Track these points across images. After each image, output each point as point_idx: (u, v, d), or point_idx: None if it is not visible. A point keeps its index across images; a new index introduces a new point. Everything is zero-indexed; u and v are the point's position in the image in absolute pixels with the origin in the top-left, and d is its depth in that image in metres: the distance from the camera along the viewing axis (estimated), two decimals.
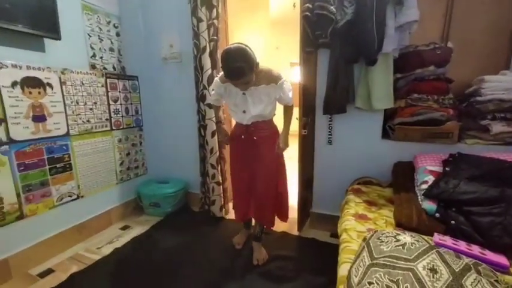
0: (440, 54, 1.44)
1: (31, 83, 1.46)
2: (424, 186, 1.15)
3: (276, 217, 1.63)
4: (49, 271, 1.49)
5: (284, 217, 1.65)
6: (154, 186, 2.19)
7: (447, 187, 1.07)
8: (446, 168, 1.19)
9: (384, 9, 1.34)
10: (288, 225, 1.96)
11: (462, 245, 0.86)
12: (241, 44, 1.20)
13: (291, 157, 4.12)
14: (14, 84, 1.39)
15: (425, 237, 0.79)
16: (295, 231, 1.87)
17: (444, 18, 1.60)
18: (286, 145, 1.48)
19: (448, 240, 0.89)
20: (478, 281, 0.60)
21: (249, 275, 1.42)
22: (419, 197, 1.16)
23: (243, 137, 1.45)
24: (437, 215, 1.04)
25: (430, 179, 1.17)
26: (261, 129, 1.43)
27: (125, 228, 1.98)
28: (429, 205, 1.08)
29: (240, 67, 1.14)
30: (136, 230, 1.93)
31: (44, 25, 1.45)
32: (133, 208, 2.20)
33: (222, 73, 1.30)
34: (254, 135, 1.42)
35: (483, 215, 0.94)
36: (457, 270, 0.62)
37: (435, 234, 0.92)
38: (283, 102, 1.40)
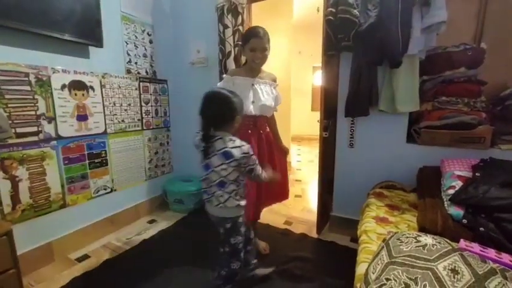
0: (471, 55, 1.39)
1: (77, 86, 1.65)
2: (451, 192, 1.11)
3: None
4: (85, 256, 1.64)
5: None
6: (179, 184, 2.30)
7: (476, 192, 1.02)
8: (477, 174, 1.14)
9: (410, 10, 1.32)
10: (306, 227, 1.97)
11: (491, 253, 0.82)
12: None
13: (312, 160, 4.11)
14: (63, 87, 1.58)
15: (449, 241, 0.77)
16: (314, 234, 1.87)
17: (477, 18, 1.54)
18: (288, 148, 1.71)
19: (475, 247, 0.85)
20: (503, 285, 0.58)
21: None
22: (445, 202, 1.12)
23: (249, 131, 1.44)
24: (464, 221, 0.99)
25: (458, 184, 1.13)
26: (264, 124, 1.51)
27: (151, 222, 2.11)
28: (456, 211, 1.03)
29: (265, 31, 1.38)
30: (162, 224, 2.05)
31: (89, 35, 1.63)
32: (159, 204, 2.34)
33: (231, 69, 1.51)
34: (261, 129, 1.48)
35: None
36: (480, 273, 0.61)
37: (461, 240, 0.89)
38: (276, 104, 1.52)
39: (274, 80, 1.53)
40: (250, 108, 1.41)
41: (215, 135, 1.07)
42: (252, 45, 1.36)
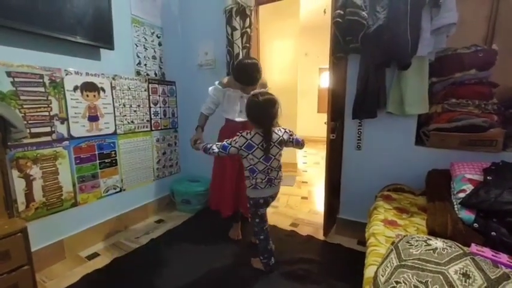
0: (482, 56, 1.37)
1: (88, 88, 1.69)
2: (462, 195, 1.09)
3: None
4: (95, 254, 1.67)
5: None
6: (186, 184, 2.33)
7: (488, 196, 1.01)
8: (488, 177, 1.12)
9: (419, 12, 1.32)
10: (313, 229, 1.96)
11: (503, 258, 0.81)
12: (254, 58, 1.55)
13: (318, 162, 4.09)
14: (75, 88, 1.62)
15: (460, 245, 0.76)
16: (320, 236, 1.86)
17: (488, 19, 1.52)
18: None
19: (487, 252, 0.84)
20: None
21: (273, 274, 1.45)
22: (455, 206, 1.10)
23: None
24: (475, 225, 0.98)
25: (469, 187, 1.11)
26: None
27: (159, 221, 2.13)
28: (467, 215, 1.02)
29: (256, 77, 1.50)
30: (169, 224, 2.07)
31: (101, 37, 1.67)
32: (167, 204, 2.37)
33: (224, 79, 1.64)
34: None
35: None
36: (492, 278, 0.60)
37: (472, 244, 0.88)
38: None
39: (265, 87, 1.65)
40: (238, 116, 1.64)
41: (272, 130, 1.29)
42: (247, 90, 1.54)
